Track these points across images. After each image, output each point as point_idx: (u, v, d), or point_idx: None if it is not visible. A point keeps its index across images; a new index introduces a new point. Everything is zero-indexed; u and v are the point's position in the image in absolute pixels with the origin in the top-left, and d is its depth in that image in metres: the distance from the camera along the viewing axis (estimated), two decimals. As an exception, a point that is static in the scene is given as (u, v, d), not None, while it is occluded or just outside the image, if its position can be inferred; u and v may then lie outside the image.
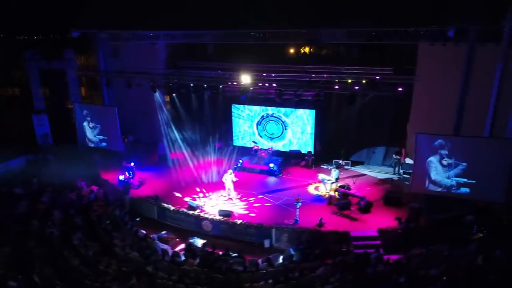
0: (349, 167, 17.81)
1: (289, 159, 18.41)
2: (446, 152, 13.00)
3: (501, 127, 13.31)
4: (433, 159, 13.25)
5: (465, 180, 12.98)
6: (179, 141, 19.06)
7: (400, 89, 14.27)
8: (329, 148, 18.37)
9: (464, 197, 13.25)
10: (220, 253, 11.36)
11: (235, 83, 16.06)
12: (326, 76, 16.16)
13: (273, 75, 16.74)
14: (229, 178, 14.45)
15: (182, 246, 12.37)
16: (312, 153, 18.14)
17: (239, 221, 12.93)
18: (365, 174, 17.11)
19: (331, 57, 19.80)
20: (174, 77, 16.50)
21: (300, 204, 12.97)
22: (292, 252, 11.29)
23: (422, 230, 12.62)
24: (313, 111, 17.87)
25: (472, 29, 12.50)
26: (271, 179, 16.92)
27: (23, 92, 22.48)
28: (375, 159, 18.17)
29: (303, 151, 18.42)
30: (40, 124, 18.95)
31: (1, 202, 14.25)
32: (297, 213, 13.03)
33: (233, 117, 19.63)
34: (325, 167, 17.79)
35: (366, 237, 12.28)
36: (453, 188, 13.22)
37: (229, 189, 14.57)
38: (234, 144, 19.93)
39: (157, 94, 17.23)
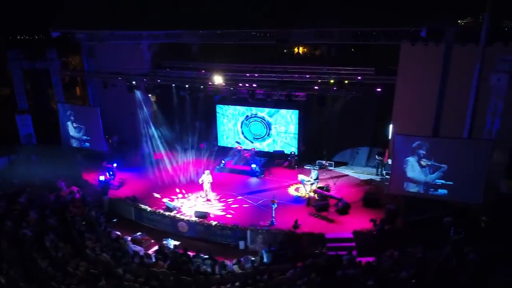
0: (332, 168, 17.71)
1: (273, 159, 18.33)
2: (425, 153, 12.90)
3: (480, 128, 13.18)
4: (412, 160, 13.14)
5: (443, 181, 12.88)
6: (163, 141, 19.01)
7: (378, 89, 14.17)
8: (313, 148, 18.29)
9: (442, 198, 13.15)
10: (192, 254, 11.27)
11: (216, 83, 15.98)
12: (308, 77, 16.24)
13: (256, 75, 16.77)
14: (206, 179, 14.38)
15: (156, 247, 12.29)
16: (296, 153, 18.05)
17: (214, 223, 12.86)
18: (347, 175, 17.00)
19: (317, 57, 19.80)
20: (156, 77, 16.40)
21: (276, 205, 12.89)
22: (264, 254, 11.21)
23: (398, 232, 12.52)
24: (296, 111, 17.77)
25: (448, 30, 12.39)
26: (253, 180, 16.84)
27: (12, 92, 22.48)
28: (359, 159, 18.07)
29: (286, 152, 18.33)
30: (24, 124, 18.91)
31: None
32: (273, 214, 12.94)
33: (217, 117, 19.55)
34: (308, 167, 17.69)
35: (341, 239, 12.20)
36: (431, 189, 13.12)
37: (206, 190, 14.49)
38: (219, 144, 19.86)
39: (139, 94, 17.12)
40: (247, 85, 15.41)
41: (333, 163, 17.82)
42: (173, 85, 16.60)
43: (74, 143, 18.91)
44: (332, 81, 16.04)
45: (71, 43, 18.74)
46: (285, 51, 19.02)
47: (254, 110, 18.65)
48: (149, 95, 16.24)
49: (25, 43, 19.42)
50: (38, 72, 18.75)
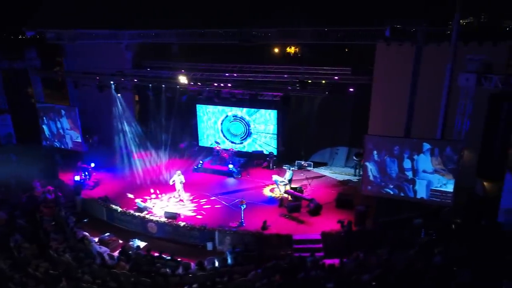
0: (311, 168, 17.60)
1: (252, 160, 18.24)
2: (395, 154, 12.77)
3: (452, 127, 13.07)
4: (382, 161, 13.00)
5: (414, 183, 12.75)
6: (143, 141, 18.91)
7: (351, 89, 14.05)
8: (292, 148, 18.19)
9: (414, 200, 13.01)
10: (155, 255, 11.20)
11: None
12: (286, 77, 16.17)
13: (235, 75, 16.69)
14: (177, 179, 14.30)
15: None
16: (274, 154, 17.94)
17: (182, 223, 12.78)
18: (324, 176, 16.89)
19: (303, 58, 19.70)
20: (133, 77, 16.33)
21: (244, 206, 12.80)
22: (228, 256, 11.12)
23: (366, 233, 12.42)
24: (275, 111, 17.67)
25: (419, 30, 12.25)
26: (230, 180, 16.75)
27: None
28: (338, 160, 17.96)
29: (265, 152, 18.23)
30: (3, 124, 18.87)
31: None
32: (242, 215, 12.84)
33: (198, 117, 19.47)
34: (286, 168, 17.58)
35: (308, 241, 12.10)
36: (403, 190, 12.98)
37: (178, 190, 14.41)
38: (200, 144, 19.77)
39: (116, 95, 17.03)
40: (222, 85, 15.28)
41: (312, 163, 17.72)
42: (150, 85, 16.44)
43: (54, 143, 18.86)
44: (309, 81, 16.06)
45: (49, 43, 18.61)
46: (275, 50, 18.86)
47: (234, 110, 18.55)
48: (118, 94, 16.05)
49: (4, 43, 19.31)
50: (17, 71, 18.70)
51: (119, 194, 15.28)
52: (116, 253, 11.76)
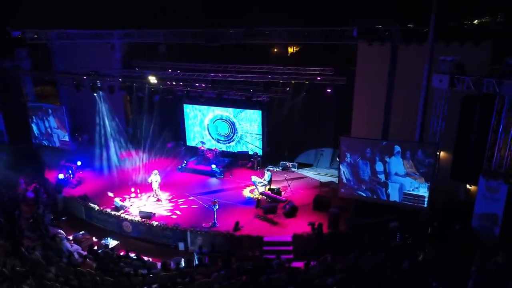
0: (295, 169, 17.49)
1: (237, 160, 18.20)
2: (370, 156, 12.57)
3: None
4: (357, 163, 12.83)
5: (390, 185, 12.53)
6: (130, 140, 19.05)
7: (328, 90, 13.91)
8: (277, 149, 18.10)
9: (390, 203, 12.80)
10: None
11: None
12: (270, 77, 16.08)
13: (220, 75, 16.68)
14: (154, 178, 14.37)
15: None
16: (258, 154, 17.89)
17: (155, 223, 12.83)
18: (306, 177, 16.76)
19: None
20: (107, 77, 16.47)
21: (217, 206, 12.79)
22: (195, 256, 11.12)
23: (337, 236, 12.27)
24: (260, 111, 17.61)
25: (394, 29, 12.03)
26: (212, 181, 16.76)
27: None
28: (323, 161, 17.80)
29: (250, 153, 18.18)
30: (-5, 122, 19.26)
31: None
32: (215, 216, 12.83)
33: (185, 117, 19.53)
34: (271, 168, 17.51)
35: (279, 243, 12.03)
36: (378, 193, 12.79)
37: (155, 190, 14.47)
38: (188, 144, 19.83)
39: (101, 94, 17.20)
40: (203, 85, 15.29)
41: (296, 164, 17.60)
42: (134, 84, 16.56)
43: (42, 142, 19.18)
44: (292, 81, 15.96)
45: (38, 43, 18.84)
46: (275, 50, 18.65)
47: (220, 110, 18.55)
48: (94, 94, 16.21)
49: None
50: (9, 71, 19.01)
51: (101, 192, 15.43)
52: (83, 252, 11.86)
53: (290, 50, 18.39)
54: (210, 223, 12.84)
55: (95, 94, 16.23)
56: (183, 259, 11.09)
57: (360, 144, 12.51)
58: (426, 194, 11.98)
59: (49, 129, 18.58)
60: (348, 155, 12.70)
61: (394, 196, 12.38)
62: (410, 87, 13.40)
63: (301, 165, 17.84)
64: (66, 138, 18.40)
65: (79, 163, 17.50)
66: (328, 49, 16.93)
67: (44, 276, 10.01)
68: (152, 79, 14.50)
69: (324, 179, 16.58)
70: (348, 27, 11.57)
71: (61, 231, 12.74)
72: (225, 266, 10.78)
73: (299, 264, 10.93)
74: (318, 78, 15.39)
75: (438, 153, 12.01)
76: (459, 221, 11.56)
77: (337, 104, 16.40)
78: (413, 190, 12.11)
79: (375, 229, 12.33)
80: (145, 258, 11.84)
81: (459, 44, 12.92)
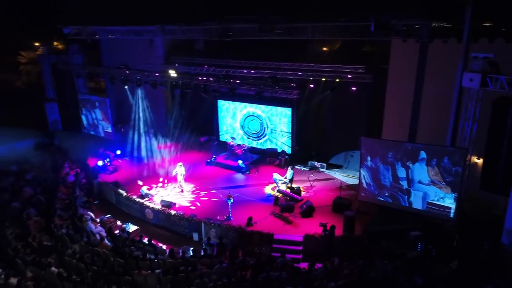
0: (324, 170, 17.06)
1: (265, 157, 18.19)
2: (390, 161, 11.80)
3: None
4: (379, 167, 12.16)
5: (413, 192, 11.70)
6: (167, 133, 19.90)
7: (353, 88, 13.34)
8: (307, 149, 17.76)
9: (413, 210, 11.96)
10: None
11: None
12: (301, 74, 15.95)
13: (252, 71, 16.86)
14: (179, 171, 14.86)
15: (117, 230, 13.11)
16: (287, 152, 17.70)
17: (173, 212, 13.29)
18: (334, 178, 16.25)
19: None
20: (163, 73, 17.30)
21: (231, 200, 12.90)
22: (204, 247, 11.36)
23: (352, 240, 11.74)
24: (290, 109, 17.43)
25: (424, 25, 11.19)
26: (238, 176, 16.92)
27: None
28: (354, 163, 17.05)
29: (279, 150, 18.06)
30: (51, 111, 21.29)
31: (-5, 176, 16.47)
32: (230, 209, 12.96)
33: (219, 112, 19.94)
34: (299, 167, 17.28)
35: (289, 241, 11.81)
36: (400, 200, 12.01)
37: (180, 181, 14.98)
38: (221, 139, 20.23)
39: (139, 90, 18.20)
40: (231, 80, 15.52)
41: (325, 164, 17.15)
42: (169, 80, 17.28)
43: (91, 131, 20.79)
44: (323, 79, 15.63)
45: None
46: (311, 48, 18.40)
47: (252, 107, 18.67)
48: (125, 87, 17.08)
49: (52, 38, 21.64)
50: (65, 65, 20.89)
51: (132, 180, 16.29)
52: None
53: (325, 48, 17.97)
54: (225, 217, 12.99)
55: (126, 87, 17.19)
56: (191, 249, 11.39)
57: (382, 146, 11.83)
58: (452, 206, 10.99)
59: (95, 121, 20.10)
60: (369, 158, 12.08)
61: (417, 205, 11.53)
62: (442, 87, 12.47)
63: (331, 166, 17.35)
64: (109, 129, 19.77)
65: (118, 152, 18.68)
66: (363, 47, 16.39)
67: (64, 253, 10.89)
68: (172, 73, 14.97)
69: (352, 181, 15.93)
70: (368, 22, 10.94)
71: (90, 213, 13.75)
72: (231, 259, 10.90)
73: (306, 265, 10.68)
74: (349, 76, 14.93)
75: (468, 160, 10.99)
76: (488, 236, 10.53)
77: (369, 104, 15.71)
78: (437, 200, 11.18)
79: (393, 237, 11.63)
80: (160, 245, 12.42)
81: (488, 40, 11.73)
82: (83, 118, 20.69)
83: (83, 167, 17.61)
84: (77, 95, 20.81)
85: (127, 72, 18.19)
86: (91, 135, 20.79)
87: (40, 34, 21.26)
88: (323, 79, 15.56)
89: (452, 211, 11.02)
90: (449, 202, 10.93)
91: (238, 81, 16.47)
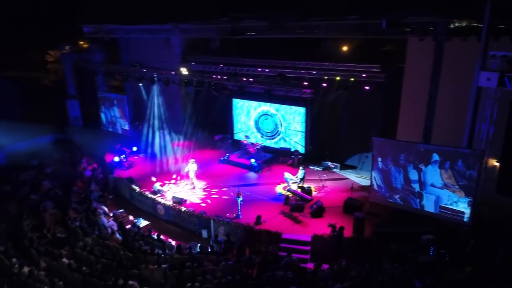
0: (337, 170, 16.83)
1: (278, 156, 18.12)
2: (402, 163, 11.49)
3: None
4: (390, 169, 11.89)
5: (426, 195, 11.37)
6: (184, 131, 20.10)
7: (367, 87, 13.08)
8: (321, 149, 17.56)
9: (425, 213, 11.63)
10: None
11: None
12: (315, 73, 15.80)
13: (266, 70, 16.84)
14: (191, 167, 15.00)
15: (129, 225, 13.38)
16: (300, 152, 17.57)
17: (183, 209, 13.43)
18: (347, 179, 16.01)
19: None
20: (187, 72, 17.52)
21: (241, 198, 12.91)
22: (211, 244, 11.42)
23: (361, 242, 11.52)
24: (304, 108, 17.29)
25: (439, 23, 10.84)
26: (250, 174, 16.92)
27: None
28: (368, 165, 16.72)
29: (292, 150, 17.95)
30: (72, 108, 21.94)
31: (17, 169, 17.16)
32: (239, 207, 12.98)
33: (233, 111, 20.01)
34: (312, 167, 17.13)
35: (297, 241, 11.71)
36: (412, 202, 11.70)
37: (192, 178, 15.12)
38: (235, 137, 20.29)
39: (155, 86, 18.49)
40: (244, 79, 15.54)
41: (338, 165, 16.92)
42: (182, 78, 17.45)
43: (109, 128, 21.29)
44: (338, 78, 15.43)
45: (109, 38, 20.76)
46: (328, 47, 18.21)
47: (267, 106, 18.62)
48: (140, 84, 17.29)
49: (73, 37, 22.28)
50: (85, 63, 21.47)
51: (146, 176, 16.56)
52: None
53: (342, 47, 17.69)
54: (234, 214, 13.01)
55: (140, 85, 17.48)
56: (198, 245, 11.48)
57: (393, 147, 11.56)
58: (466, 210, 10.60)
59: (113, 118, 20.56)
60: (379, 159, 11.82)
61: (429, 208, 11.19)
62: (460, 87, 12.06)
63: (345, 167, 17.09)
64: (126, 127, 20.18)
65: (134, 148, 19.06)
66: (380, 46, 16.04)
67: (75, 245, 11.21)
68: (184, 71, 15.10)
69: (366, 182, 15.63)
70: (380, 20, 10.70)
71: (103, 207, 14.08)
72: (237, 257, 10.92)
73: (312, 266, 10.58)
74: (363, 75, 14.68)
75: (485, 163, 10.58)
76: (504, 242, 10.12)
77: (385, 104, 15.36)
78: (451, 204, 10.82)
79: (404, 240, 11.35)
80: (169, 240, 12.58)
81: (510, 38, 11.20)
82: (102, 115, 21.21)
83: (101, 163, 18.07)
84: (97, 92, 21.33)
85: (144, 70, 18.55)
86: (110, 131, 21.28)
87: (65, 33, 21.89)
88: (338, 78, 15.35)
89: (466, 216, 10.64)
90: (463, 206, 10.55)
91: (251, 80, 16.45)
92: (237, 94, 19.03)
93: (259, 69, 16.65)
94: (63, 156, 18.73)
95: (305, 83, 15.65)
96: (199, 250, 11.19)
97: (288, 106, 17.83)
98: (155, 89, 18.38)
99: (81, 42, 24.98)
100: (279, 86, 16.14)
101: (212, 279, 9.47)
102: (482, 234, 10.85)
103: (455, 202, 10.65)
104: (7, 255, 10.47)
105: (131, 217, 13.94)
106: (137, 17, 15.65)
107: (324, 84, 15.21)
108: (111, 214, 13.88)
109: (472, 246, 10.84)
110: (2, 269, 10.12)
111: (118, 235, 11.93)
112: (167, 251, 11.02)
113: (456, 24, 10.87)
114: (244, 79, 16.32)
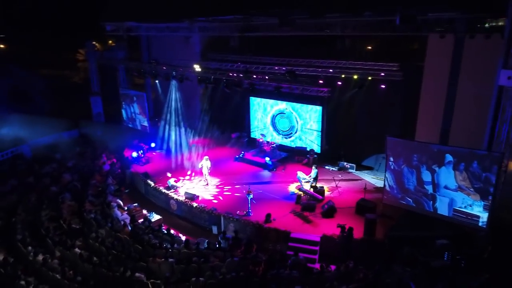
0: (353, 171, 16.54)
1: (293, 155, 17.98)
2: (415, 164, 11.11)
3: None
4: (402, 169, 11.54)
5: (440, 198, 10.96)
6: (202, 129, 20.31)
7: (382, 86, 12.74)
8: (337, 148, 17.30)
9: (440, 217, 11.21)
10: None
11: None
12: (331, 71, 15.60)
13: (284, 68, 16.73)
14: (204, 164, 15.13)
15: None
16: (315, 151, 17.36)
17: (195, 205, 13.56)
18: (362, 179, 15.69)
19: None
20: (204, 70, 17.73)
21: (251, 196, 12.90)
22: (220, 240, 11.49)
23: (371, 244, 11.24)
24: (320, 107, 17.07)
25: (458, 19, 10.41)
26: (264, 173, 16.88)
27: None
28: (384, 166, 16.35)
29: (308, 149, 17.77)
30: (95, 104, 22.61)
31: (40, 162, 17.88)
32: (249, 205, 12.97)
33: (251, 109, 20.02)
34: (328, 167, 16.90)
35: (305, 241, 11.58)
36: (426, 205, 11.30)
37: (205, 174, 15.24)
38: (252, 136, 20.30)
39: (173, 83, 18.76)
40: (260, 77, 15.50)
41: (354, 165, 16.61)
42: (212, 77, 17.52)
43: (129, 124, 21.80)
44: (355, 76, 15.14)
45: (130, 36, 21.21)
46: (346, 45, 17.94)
47: (283, 104, 18.52)
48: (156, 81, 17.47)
49: (96, 35, 22.90)
50: (106, 60, 22.05)
51: (161, 172, 16.82)
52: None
53: (362, 45, 17.40)
54: (245, 212, 13.02)
55: (156, 81, 17.75)
56: (206, 241, 11.57)
57: (406, 147, 11.21)
58: (481, 214, 10.14)
59: (133, 114, 21.03)
60: (392, 159, 11.50)
61: (443, 211, 10.79)
62: (481, 86, 11.55)
63: (361, 167, 16.77)
64: (146, 123, 20.59)
65: (153, 144, 19.43)
66: (398, 44, 15.65)
67: (88, 236, 11.55)
68: (197, 68, 15.21)
69: (381, 184, 15.22)
70: (393, 17, 10.38)
71: (118, 200, 14.42)
72: (244, 254, 10.91)
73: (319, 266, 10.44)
74: (382, 74, 14.34)
75: (505, 166, 10.09)
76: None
77: (403, 104, 14.96)
78: (465, 207, 10.39)
79: (418, 244, 10.99)
80: (180, 235, 12.75)
81: None
82: (123, 111, 21.73)
83: (119, 158, 18.53)
84: (119, 89, 21.88)
85: (164, 68, 18.85)
86: (129, 127, 21.78)
87: (89, 31, 22.55)
88: (355, 77, 15.06)
89: (481, 220, 10.19)
90: (478, 210, 10.11)
91: (266, 77, 16.39)
92: (252, 92, 19.01)
93: (276, 68, 16.60)
94: (85, 150, 19.34)
95: (321, 81, 15.46)
96: (206, 245, 11.27)
97: (304, 105, 17.66)
98: (173, 86, 18.63)
99: (110, 41, 25.75)
100: (296, 85, 16.00)
101: (217, 275, 9.52)
102: (501, 240, 10.35)
103: (470, 206, 10.22)
104: (24, 243, 10.93)
105: (144, 211, 14.21)
106: (153, 14, 15.88)
107: (339, 83, 14.95)
108: (126, 208, 14.20)
109: (490, 252, 10.37)
110: (18, 256, 10.57)
111: (130, 228, 12.19)
112: (175, 246, 11.13)
113: (484, 23, 10.39)
114: (260, 77, 16.25)
